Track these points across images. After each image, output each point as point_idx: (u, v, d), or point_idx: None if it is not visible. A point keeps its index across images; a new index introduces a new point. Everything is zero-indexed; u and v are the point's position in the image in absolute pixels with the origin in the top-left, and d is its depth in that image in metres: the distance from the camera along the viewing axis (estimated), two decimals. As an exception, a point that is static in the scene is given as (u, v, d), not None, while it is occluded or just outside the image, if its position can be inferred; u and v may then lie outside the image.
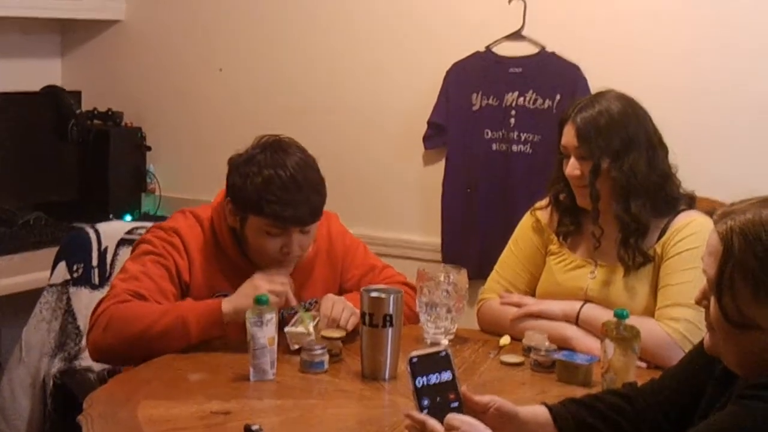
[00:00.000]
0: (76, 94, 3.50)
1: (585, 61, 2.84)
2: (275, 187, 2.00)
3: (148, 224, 2.59)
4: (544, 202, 2.25)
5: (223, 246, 2.13)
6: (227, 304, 1.98)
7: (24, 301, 2.66)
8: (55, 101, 3.40)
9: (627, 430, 1.50)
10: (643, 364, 1.93)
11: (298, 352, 1.95)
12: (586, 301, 2.11)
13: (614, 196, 2.08)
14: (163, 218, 3.04)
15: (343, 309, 2.06)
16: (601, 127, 2.06)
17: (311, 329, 1.98)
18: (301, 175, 2.03)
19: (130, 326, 1.96)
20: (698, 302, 1.42)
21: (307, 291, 2.19)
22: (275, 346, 1.86)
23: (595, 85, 2.73)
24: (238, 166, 2.07)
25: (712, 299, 1.37)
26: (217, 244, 2.13)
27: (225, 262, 2.11)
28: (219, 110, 3.45)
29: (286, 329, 1.97)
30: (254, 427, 1.58)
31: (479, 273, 2.49)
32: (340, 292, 2.21)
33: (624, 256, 2.08)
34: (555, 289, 2.17)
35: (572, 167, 2.09)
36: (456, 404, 1.47)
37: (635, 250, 2.07)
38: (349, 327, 2.04)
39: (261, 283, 1.98)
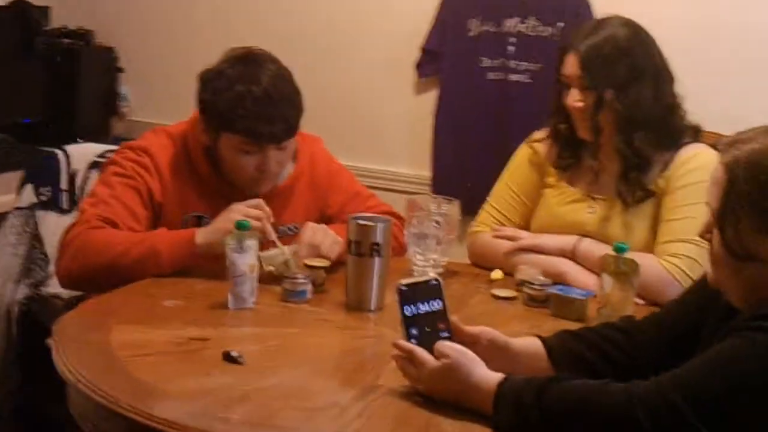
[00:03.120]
0: (45, 10, 3.45)
1: (590, -14, 2.83)
2: (248, 103, 1.99)
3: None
4: (542, 133, 2.25)
5: (196, 164, 2.11)
6: (201, 237, 1.98)
7: (-13, 226, 2.64)
8: (21, 16, 3.34)
9: (622, 362, 1.52)
10: (641, 301, 1.95)
11: (279, 281, 1.95)
12: (584, 236, 2.12)
13: (617, 129, 2.07)
14: (135, 142, 3.05)
15: (324, 237, 2.06)
16: (606, 56, 2.04)
17: (286, 250, 1.98)
18: (275, 88, 2.01)
19: (100, 255, 1.96)
20: (702, 235, 1.44)
21: (287, 215, 2.19)
22: (256, 274, 1.87)
23: (600, 12, 2.71)
24: (209, 80, 2.05)
25: (715, 231, 1.39)
26: (190, 162, 2.12)
27: (198, 182, 2.11)
28: (197, 32, 3.41)
29: (261, 253, 1.96)
30: (234, 354, 1.59)
31: (471, 208, 2.48)
32: (322, 218, 2.22)
33: (624, 191, 2.09)
34: (552, 222, 2.18)
35: (573, 98, 2.08)
36: (446, 334, 1.49)
37: (636, 184, 2.08)
38: (332, 256, 2.04)
39: (235, 215, 1.97)
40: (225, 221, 1.97)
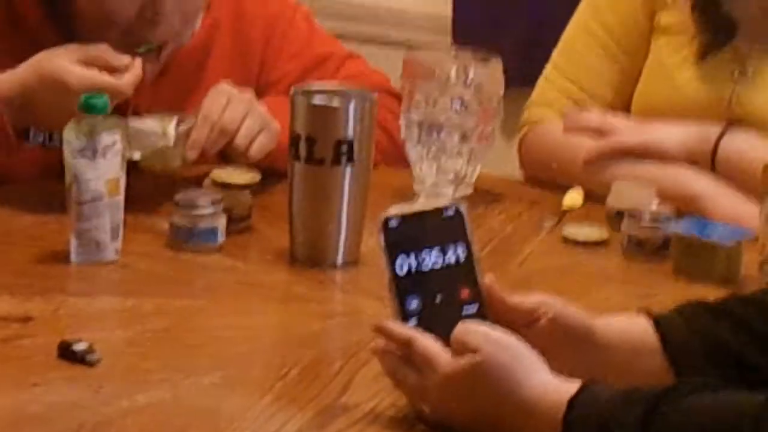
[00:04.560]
0: None
1: None
2: None
3: None
4: None
5: (21, 11, 2.16)
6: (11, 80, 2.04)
7: None
8: None
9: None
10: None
11: (162, 209, 1.98)
12: (730, 123, 2.14)
13: None
14: None
15: (245, 114, 2.08)
16: None
17: (171, 129, 2.03)
18: None
19: None
20: None
21: (196, 97, 2.19)
22: (121, 198, 1.89)
23: None
24: None
25: None
26: (10, 7, 2.17)
27: (22, 37, 2.15)
28: None
29: (129, 124, 2.00)
30: (79, 347, 1.60)
31: (524, 73, 2.51)
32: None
33: None
34: (670, 98, 2.21)
35: None
36: (473, 308, 1.51)
37: None
38: (254, 151, 2.09)
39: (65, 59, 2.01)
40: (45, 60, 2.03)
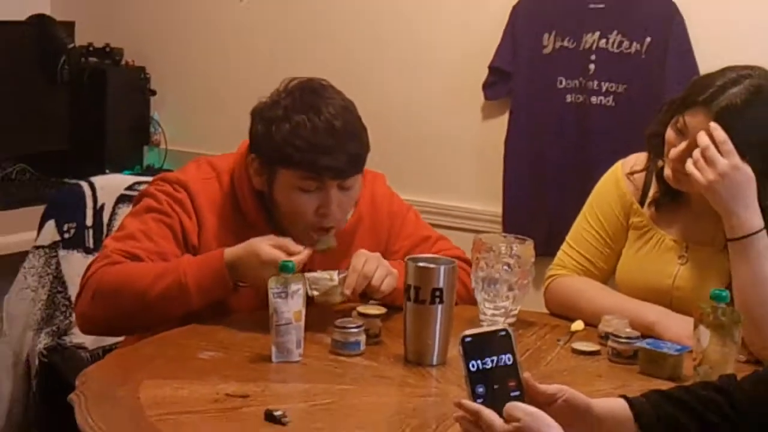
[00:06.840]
0: (69, 26, 3.54)
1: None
2: (307, 133, 2.05)
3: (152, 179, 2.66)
4: (636, 161, 2.24)
5: (244, 208, 2.16)
6: (230, 252, 2.03)
7: (5, 266, 2.70)
8: (43, 33, 3.43)
9: (723, 429, 1.50)
10: (743, 357, 1.94)
11: (323, 331, 1.99)
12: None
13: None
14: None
15: (377, 266, 2.09)
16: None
17: (336, 277, 2.05)
18: (338, 120, 2.07)
19: (121, 293, 2.00)
20: None
21: (345, 264, 2.19)
22: (302, 323, 1.90)
23: (694, 25, 2.71)
24: (262, 112, 2.11)
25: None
26: (237, 204, 2.17)
27: (244, 226, 2.15)
28: (238, 50, 3.47)
29: (307, 274, 2.02)
30: (277, 413, 1.61)
31: (547, 249, 2.50)
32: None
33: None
34: (637, 274, 2.20)
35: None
36: (517, 393, 1.49)
37: None
38: (384, 287, 2.08)
39: (264, 243, 2.01)
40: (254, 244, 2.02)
